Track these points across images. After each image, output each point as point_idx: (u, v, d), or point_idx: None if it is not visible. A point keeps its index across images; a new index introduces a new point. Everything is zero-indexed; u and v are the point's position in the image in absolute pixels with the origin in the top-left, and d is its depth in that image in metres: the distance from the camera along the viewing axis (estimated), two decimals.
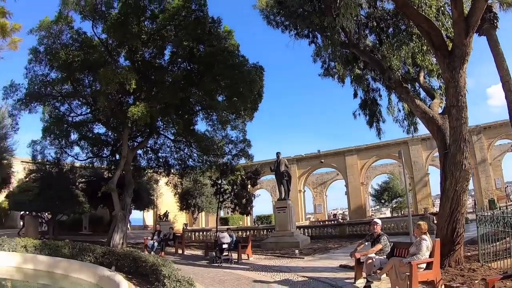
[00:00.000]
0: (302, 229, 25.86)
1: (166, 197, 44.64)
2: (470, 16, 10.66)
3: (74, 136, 28.20)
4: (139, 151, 29.80)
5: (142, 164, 30.77)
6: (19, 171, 34.51)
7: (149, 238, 21.19)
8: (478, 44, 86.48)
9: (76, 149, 28.82)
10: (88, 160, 29.87)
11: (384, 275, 9.26)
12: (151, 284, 9.80)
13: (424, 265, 8.54)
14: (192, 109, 26.02)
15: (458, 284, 8.85)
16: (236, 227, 35.12)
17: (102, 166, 31.23)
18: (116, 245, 22.25)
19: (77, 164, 31.55)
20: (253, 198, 28.15)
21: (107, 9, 21.41)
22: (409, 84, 15.93)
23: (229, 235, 17.21)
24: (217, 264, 15.71)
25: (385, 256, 9.68)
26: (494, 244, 10.93)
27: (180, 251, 21.27)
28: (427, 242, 8.56)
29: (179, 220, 47.21)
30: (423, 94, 16.47)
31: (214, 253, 16.83)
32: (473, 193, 44.31)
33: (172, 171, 30.52)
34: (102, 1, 21.17)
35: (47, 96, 24.33)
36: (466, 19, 10.66)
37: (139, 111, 18.98)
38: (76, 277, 11.78)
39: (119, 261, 12.40)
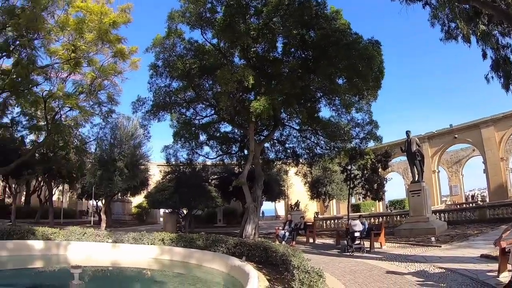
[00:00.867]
0: (437, 214, 23.95)
1: (296, 187, 45.12)
2: None
3: (202, 137, 30.39)
4: (267, 144, 30.47)
5: (270, 157, 31.50)
6: (155, 174, 37.92)
7: (280, 228, 21.49)
8: None
9: (206, 149, 30.94)
10: (218, 158, 31.75)
11: None
12: (281, 274, 9.93)
13: None
14: (313, 97, 25.72)
15: None
16: (368, 213, 34.07)
17: (232, 162, 32.95)
18: (248, 236, 22.86)
19: (208, 162, 33.79)
20: (384, 182, 26.97)
21: (212, 15, 22.09)
22: None
23: (361, 223, 16.61)
24: (348, 253, 15.30)
25: None
26: None
27: (311, 240, 21.23)
28: None
29: (310, 209, 47.40)
30: None
31: (345, 241, 16.50)
32: None
33: (300, 160, 30.68)
34: (206, 8, 21.88)
35: (172, 104, 26.40)
36: None
37: (261, 105, 19.31)
38: (208, 266, 12.39)
39: (250, 252, 12.75)
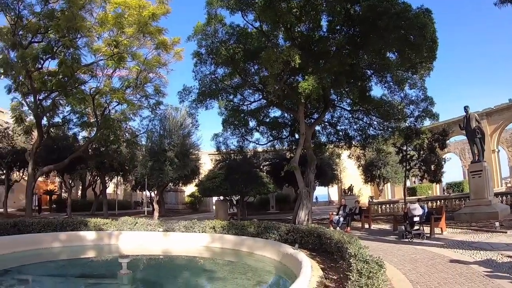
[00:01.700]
0: (499, 197, 22.56)
1: (350, 171, 44.31)
2: None
3: (252, 124, 30.08)
4: (318, 127, 29.86)
5: (322, 140, 30.79)
6: (206, 162, 38.31)
7: (334, 213, 20.96)
8: None
9: (256, 135, 30.68)
10: (269, 143, 31.39)
11: None
12: (336, 263, 9.62)
13: None
14: (363, 75, 24.70)
15: None
16: (425, 197, 32.87)
17: (283, 147, 32.45)
18: (301, 222, 22.48)
19: (259, 149, 33.57)
20: (443, 162, 25.74)
21: None
22: None
23: (421, 207, 15.55)
24: (407, 240, 14.45)
25: None
26: None
27: (366, 226, 20.48)
28: None
29: (364, 193, 46.34)
30: None
31: (403, 227, 15.66)
32: None
33: (353, 143, 29.75)
34: None
35: (219, 91, 26.07)
36: None
37: (310, 85, 18.64)
38: (260, 254, 12.34)
39: (303, 238, 12.53)
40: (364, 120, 28.16)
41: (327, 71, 19.75)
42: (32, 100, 26.57)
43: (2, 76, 24.74)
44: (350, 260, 7.42)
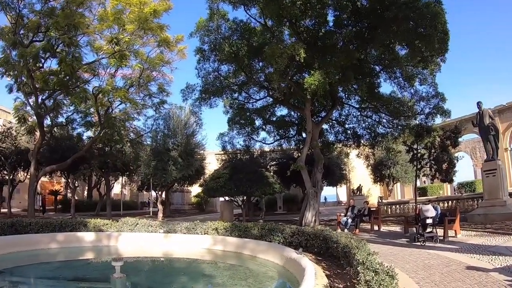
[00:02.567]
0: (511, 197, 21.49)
1: (359, 170, 43.54)
2: None
3: (258, 122, 29.50)
4: (325, 126, 29.25)
5: (330, 139, 30.04)
6: (211, 162, 37.79)
7: (342, 214, 20.20)
8: None
9: (262, 134, 30.21)
10: (276, 143, 30.87)
11: None
12: (343, 269, 8.99)
13: None
14: (372, 71, 24.06)
15: None
16: (436, 197, 31.94)
17: (290, 147, 31.77)
18: (308, 223, 21.92)
19: (266, 148, 32.99)
20: (455, 161, 24.83)
21: None
22: None
23: (434, 208, 14.63)
24: (419, 243, 13.52)
25: None
26: None
27: (376, 228, 19.52)
28: None
29: (373, 193, 45.42)
30: None
31: (415, 229, 14.84)
32: None
33: (361, 141, 29.03)
34: None
35: (223, 89, 25.44)
36: None
37: (316, 80, 17.90)
38: (263, 258, 11.74)
39: (308, 242, 12.08)
40: (373, 118, 27.37)
41: (334, 65, 18.95)
42: (35, 99, 26.09)
43: (4, 76, 24.27)
44: (358, 268, 6.83)
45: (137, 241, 14.76)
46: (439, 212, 14.99)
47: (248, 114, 28.10)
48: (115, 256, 10.43)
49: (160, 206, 31.62)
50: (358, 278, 6.33)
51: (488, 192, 18.83)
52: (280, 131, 30.27)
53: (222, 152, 32.04)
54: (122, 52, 23.79)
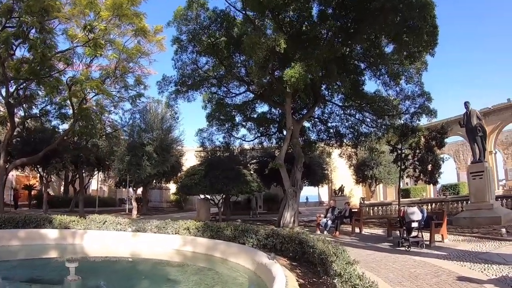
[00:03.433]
0: (498, 200, 19.96)
1: (341, 170, 42.58)
2: None
3: (238, 119, 28.57)
4: (308, 124, 28.51)
5: (312, 138, 29.14)
6: (188, 158, 36.54)
7: (322, 215, 19.09)
8: None
9: (243, 131, 28.99)
10: (256, 140, 29.99)
11: None
12: (319, 277, 7.92)
13: None
14: (356, 68, 23.17)
15: None
16: (419, 199, 31.10)
17: (271, 145, 30.69)
18: (287, 224, 21.04)
19: (247, 146, 31.89)
20: (441, 162, 23.89)
21: None
22: None
23: (420, 210, 13.46)
24: (403, 248, 12.39)
25: None
26: None
27: (357, 230, 18.28)
28: None
29: (356, 194, 44.47)
30: None
31: (398, 233, 13.70)
32: None
33: (344, 141, 28.12)
34: None
35: (202, 82, 24.34)
36: None
37: (296, 73, 16.81)
38: (234, 261, 10.83)
39: (283, 245, 11.02)
40: (357, 117, 26.51)
41: (316, 58, 17.80)
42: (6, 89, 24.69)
43: None
44: (335, 281, 5.83)
45: (104, 239, 13.74)
46: (425, 215, 13.69)
47: (228, 109, 27.07)
48: (70, 257, 9.47)
49: (134, 204, 30.47)
50: None
51: (474, 195, 17.86)
52: (261, 129, 29.32)
53: (201, 149, 30.73)
54: (96, 41, 22.35)
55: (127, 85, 29.89)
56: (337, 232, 17.16)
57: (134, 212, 29.46)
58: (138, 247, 13.38)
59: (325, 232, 17.75)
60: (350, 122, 27.02)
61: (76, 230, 14.14)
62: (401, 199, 24.68)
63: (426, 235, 13.25)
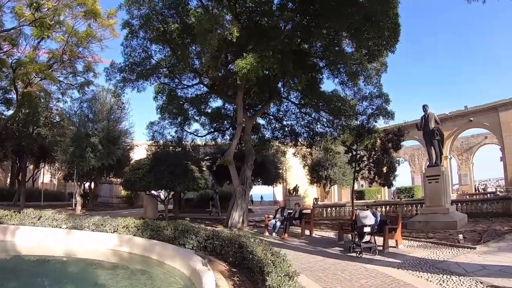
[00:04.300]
0: (453, 204, 19.30)
1: (296, 170, 41.47)
2: None
3: (192, 113, 27.00)
4: (262, 121, 27.36)
5: (267, 136, 27.82)
6: (138, 153, 34.63)
7: (271, 216, 17.81)
8: None
9: (196, 126, 27.42)
10: (209, 135, 28.51)
11: None
12: (255, 286, 7.05)
13: None
14: (315, 65, 21.93)
15: None
16: (374, 201, 30.37)
17: (225, 141, 29.04)
18: (235, 224, 19.78)
19: (200, 142, 30.19)
20: (396, 164, 23.11)
21: None
22: None
23: (373, 214, 12.28)
24: (355, 254, 11.21)
25: None
26: None
27: (307, 232, 16.87)
28: None
29: (310, 194, 43.51)
30: None
31: (350, 236, 12.52)
32: None
33: (299, 140, 26.88)
34: None
35: (153, 71, 22.55)
36: None
37: (248, 64, 15.44)
38: (170, 265, 9.91)
39: (224, 248, 9.99)
40: (313, 116, 25.41)
41: (271, 50, 16.46)
42: None
43: None
44: None
45: (37, 236, 12.72)
46: (379, 219, 12.55)
47: (180, 102, 25.45)
48: None
49: (78, 198, 28.30)
50: None
51: (430, 199, 17.09)
52: (214, 124, 27.86)
53: (154, 144, 28.80)
54: (43, 20, 20.28)
55: (76, 71, 27.80)
56: (286, 235, 15.88)
57: (78, 207, 27.40)
58: (73, 246, 12.30)
59: (274, 234, 16.50)
60: (305, 121, 25.92)
61: (8, 225, 13.23)
62: (355, 201, 23.88)
63: (380, 240, 12.17)
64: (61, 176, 46.81)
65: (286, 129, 26.78)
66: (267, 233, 16.93)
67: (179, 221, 21.71)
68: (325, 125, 25.04)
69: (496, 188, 41.29)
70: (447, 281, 7.88)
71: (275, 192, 50.06)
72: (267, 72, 18.25)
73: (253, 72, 15.40)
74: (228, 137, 28.08)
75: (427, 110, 18.08)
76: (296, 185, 39.74)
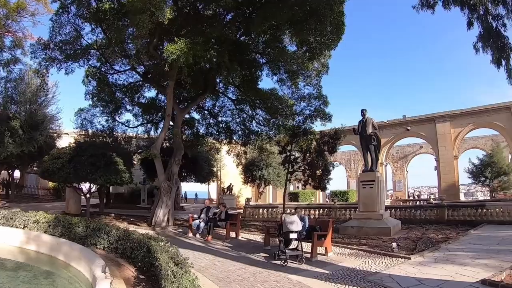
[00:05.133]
0: (387, 210, 18.76)
1: (231, 169, 40.19)
2: None
3: (124, 102, 25.01)
4: (197, 116, 25.96)
5: (201, 131, 26.25)
6: (66, 141, 31.84)
7: (196, 215, 16.34)
8: None
9: (128, 116, 25.32)
10: (141, 128, 26.50)
11: None
12: None
13: None
14: (255, 61, 20.72)
15: None
16: (307, 204, 29.63)
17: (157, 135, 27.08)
18: (159, 222, 18.14)
19: (132, 133, 28.04)
20: (331, 168, 22.32)
21: None
22: None
23: (300, 218, 11.16)
24: (279, 263, 9.94)
25: None
26: None
27: (233, 235, 15.55)
28: None
29: (245, 194, 42.34)
30: None
31: (277, 240, 11.22)
32: None
33: (234, 138, 25.52)
34: None
35: (84, 53, 20.23)
36: None
37: (178, 49, 13.92)
38: (76, 268, 8.75)
39: (133, 252, 8.81)
40: (249, 114, 24.07)
41: (207, 36, 15.06)
42: None
43: None
44: None
45: None
46: (307, 224, 11.43)
47: (113, 90, 23.39)
48: None
49: None
50: None
51: (363, 204, 16.42)
52: (147, 116, 25.84)
53: (83, 133, 26.34)
54: None
55: (2, 47, 25.03)
56: (210, 237, 14.46)
57: None
58: None
59: (198, 235, 15.10)
60: (241, 119, 24.59)
61: None
62: (289, 203, 22.91)
63: (309, 247, 11.05)
64: None
65: (221, 125, 25.33)
66: (190, 234, 15.52)
67: (102, 217, 19.87)
68: (261, 123, 23.81)
69: (429, 196, 42.38)
70: None
71: (210, 190, 48.62)
72: (206, 64, 16.96)
73: (183, 58, 13.90)
74: (160, 130, 26.32)
75: (365, 115, 17.38)
76: (230, 184, 38.50)
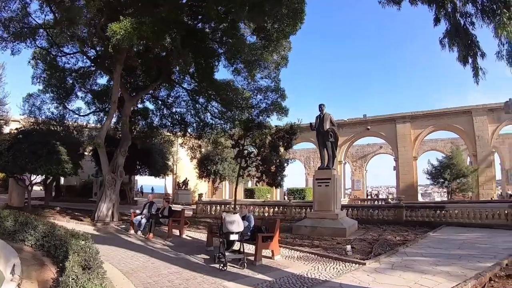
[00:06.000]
0: (343, 209, 18.13)
1: (187, 163, 38.88)
2: None
3: (76, 88, 23.33)
4: (152, 106, 24.63)
5: (155, 122, 24.87)
6: (11, 127, 29.68)
7: (138, 211, 15.09)
8: None
9: (80, 103, 23.55)
10: (94, 116, 25.01)
11: None
12: None
13: None
14: (212, 51, 19.34)
15: None
16: (263, 201, 28.75)
17: (112, 126, 25.33)
18: (103, 217, 16.91)
19: (83, 122, 26.04)
20: (285, 164, 21.48)
21: None
22: None
23: (244, 218, 10.04)
24: (218, 267, 8.88)
25: None
26: None
27: (177, 232, 14.44)
28: None
29: (201, 189, 41.13)
30: None
31: (218, 241, 10.09)
32: None
33: (188, 130, 24.23)
34: None
35: (32, 32, 18.43)
36: None
37: (122, 28, 12.65)
38: None
39: (57, 250, 8.16)
40: (204, 106, 23.01)
41: (155, 16, 13.81)
42: None
43: None
44: None
45: None
46: (252, 224, 10.28)
47: (64, 74, 21.70)
48: None
49: None
50: None
51: (318, 203, 15.55)
52: (100, 104, 24.21)
53: (32, 121, 24.33)
54: None
55: None
56: (151, 234, 13.26)
57: None
58: None
59: (139, 232, 13.89)
60: (196, 110, 23.45)
61: None
62: (244, 199, 21.93)
63: (249, 245, 10.07)
64: None
65: (176, 116, 24.03)
66: (132, 231, 14.28)
67: (46, 211, 18.27)
68: (216, 116, 22.78)
69: (387, 196, 42.38)
70: None
71: (167, 184, 47.09)
72: (157, 50, 15.66)
73: (126, 38, 12.63)
74: (115, 120, 24.73)
75: (323, 110, 16.44)
76: (186, 178, 37.20)
